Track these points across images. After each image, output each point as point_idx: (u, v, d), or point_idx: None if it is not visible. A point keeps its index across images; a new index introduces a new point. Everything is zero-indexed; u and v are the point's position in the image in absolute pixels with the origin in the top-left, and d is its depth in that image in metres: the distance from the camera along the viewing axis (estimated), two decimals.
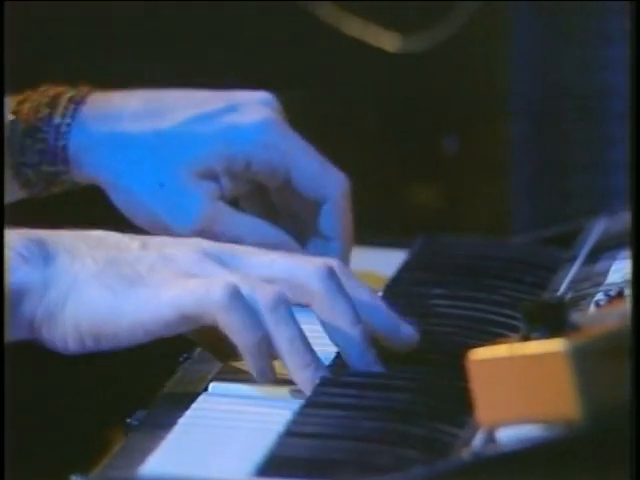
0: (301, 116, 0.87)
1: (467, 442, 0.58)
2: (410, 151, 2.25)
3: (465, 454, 0.56)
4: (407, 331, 0.66)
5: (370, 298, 0.67)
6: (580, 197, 1.65)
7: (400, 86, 2.24)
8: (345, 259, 0.80)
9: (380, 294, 0.86)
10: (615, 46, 1.53)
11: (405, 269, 0.89)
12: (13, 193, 0.84)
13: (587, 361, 0.53)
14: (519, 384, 0.54)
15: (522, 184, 1.85)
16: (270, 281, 0.64)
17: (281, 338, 0.63)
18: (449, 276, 0.88)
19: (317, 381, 0.64)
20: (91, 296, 0.63)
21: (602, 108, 1.58)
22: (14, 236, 0.64)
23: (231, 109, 0.83)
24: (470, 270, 0.90)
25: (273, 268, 0.65)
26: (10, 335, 0.65)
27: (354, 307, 0.66)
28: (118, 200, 0.82)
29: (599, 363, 0.53)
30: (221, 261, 0.65)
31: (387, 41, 1.83)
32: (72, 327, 0.63)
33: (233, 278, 0.64)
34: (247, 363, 0.65)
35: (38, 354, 0.67)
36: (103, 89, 0.87)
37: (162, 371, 0.72)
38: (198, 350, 0.74)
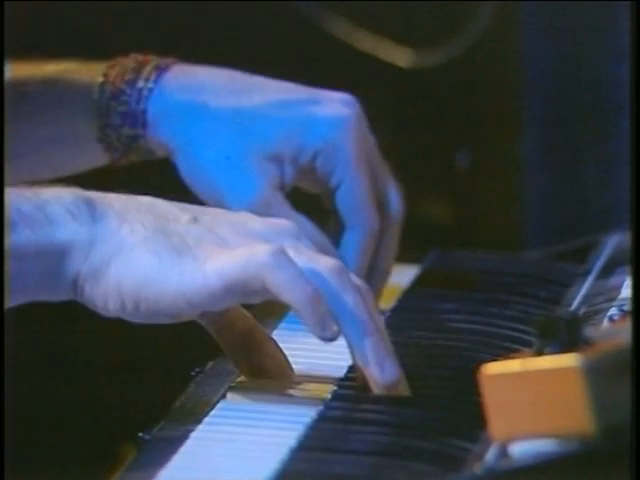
0: None
1: (480, 457, 0.58)
2: (422, 166, 2.25)
3: (478, 469, 0.55)
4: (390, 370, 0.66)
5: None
6: (594, 212, 1.65)
7: (412, 101, 2.24)
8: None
9: (393, 306, 0.86)
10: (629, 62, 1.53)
11: (417, 284, 0.89)
12: (97, 157, 0.86)
13: (600, 376, 0.53)
14: (532, 399, 0.54)
15: (535, 199, 1.84)
16: None
17: (345, 302, 0.63)
18: (462, 291, 0.88)
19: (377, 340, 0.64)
20: (137, 259, 0.63)
21: (616, 123, 1.58)
22: (65, 193, 0.65)
23: (312, 101, 0.84)
24: (483, 285, 0.89)
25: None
26: (53, 295, 0.65)
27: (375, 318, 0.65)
28: (184, 167, 0.83)
29: (612, 378, 0.53)
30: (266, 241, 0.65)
31: (399, 56, 1.83)
32: (114, 288, 0.63)
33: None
34: (304, 320, 0.64)
35: (52, 368, 0.67)
36: None
37: (174, 385, 0.72)
38: (210, 364, 0.74)
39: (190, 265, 0.63)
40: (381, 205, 0.83)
